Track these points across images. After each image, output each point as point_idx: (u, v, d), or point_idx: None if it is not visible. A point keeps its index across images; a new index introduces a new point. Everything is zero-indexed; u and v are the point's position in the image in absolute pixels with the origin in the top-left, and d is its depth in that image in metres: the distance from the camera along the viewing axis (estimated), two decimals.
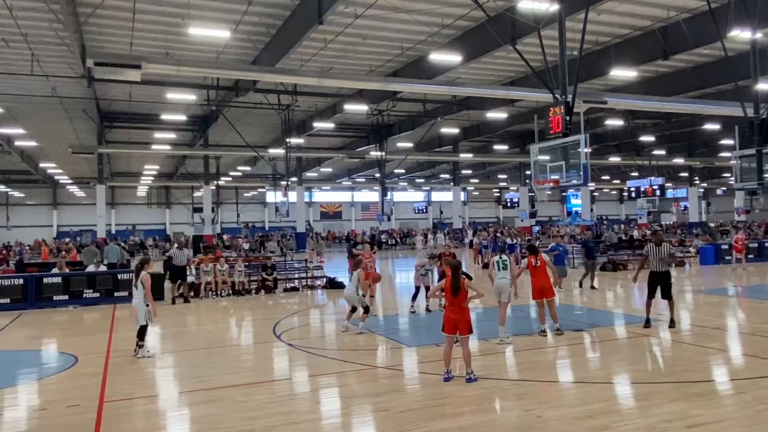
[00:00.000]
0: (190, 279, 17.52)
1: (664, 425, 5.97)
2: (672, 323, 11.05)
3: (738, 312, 13.62)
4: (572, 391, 7.53)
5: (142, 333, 9.74)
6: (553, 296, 10.93)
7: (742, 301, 15.09)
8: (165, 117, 30.70)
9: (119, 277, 16.85)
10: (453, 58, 21.14)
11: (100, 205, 37.71)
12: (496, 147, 45.22)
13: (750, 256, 25.77)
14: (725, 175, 54.09)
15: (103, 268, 17.89)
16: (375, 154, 40.23)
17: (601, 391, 7.33)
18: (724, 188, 64.27)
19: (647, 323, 11.07)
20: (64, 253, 30.71)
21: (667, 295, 11.07)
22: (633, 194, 44.02)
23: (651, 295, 11.09)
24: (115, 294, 16.51)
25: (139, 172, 51.59)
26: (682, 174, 54.80)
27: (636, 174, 50.03)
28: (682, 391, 7.15)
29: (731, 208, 53.14)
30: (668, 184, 48.01)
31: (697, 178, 51.93)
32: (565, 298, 15.32)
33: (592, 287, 17.14)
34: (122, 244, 32.28)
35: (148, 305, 9.70)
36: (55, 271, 16.99)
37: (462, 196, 61.44)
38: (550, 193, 15.88)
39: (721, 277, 20.30)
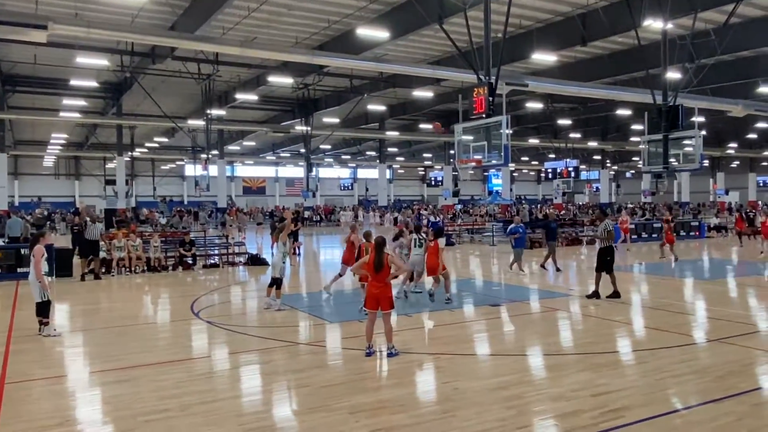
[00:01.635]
0: (101, 254, 16.69)
1: (571, 394, 6.29)
2: (613, 294, 11.99)
3: (642, 287, 14.53)
4: (488, 363, 7.80)
5: (43, 310, 9.19)
6: (436, 274, 11.65)
7: (646, 278, 16.08)
8: (74, 82, 28.73)
9: (22, 252, 15.83)
10: (380, 34, 21.01)
11: (1, 176, 35.28)
12: (422, 126, 45.62)
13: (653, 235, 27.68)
14: (635, 158, 57.17)
15: None
16: (300, 128, 39.57)
17: (514, 363, 7.63)
18: (633, 171, 68.05)
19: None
20: None
21: (596, 268, 12.33)
22: (550, 175, 45.91)
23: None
24: (18, 270, 15.59)
25: (45, 140, 48.32)
26: (595, 157, 57.43)
27: (553, 156, 52.00)
28: (589, 362, 7.56)
29: (639, 191, 56.36)
30: (582, 167, 50.30)
31: (608, 161, 54.61)
32: (485, 275, 15.76)
33: (558, 269, 16.49)
34: (26, 217, 30.30)
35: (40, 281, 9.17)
36: None
37: (388, 173, 61.77)
38: (472, 172, 16.19)
39: (625, 255, 21.52)
